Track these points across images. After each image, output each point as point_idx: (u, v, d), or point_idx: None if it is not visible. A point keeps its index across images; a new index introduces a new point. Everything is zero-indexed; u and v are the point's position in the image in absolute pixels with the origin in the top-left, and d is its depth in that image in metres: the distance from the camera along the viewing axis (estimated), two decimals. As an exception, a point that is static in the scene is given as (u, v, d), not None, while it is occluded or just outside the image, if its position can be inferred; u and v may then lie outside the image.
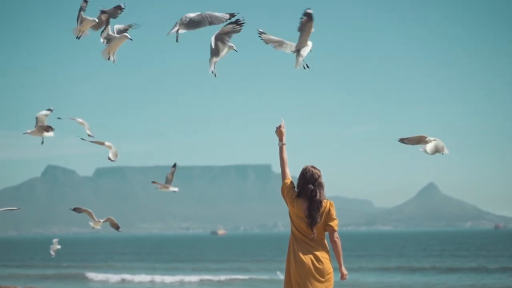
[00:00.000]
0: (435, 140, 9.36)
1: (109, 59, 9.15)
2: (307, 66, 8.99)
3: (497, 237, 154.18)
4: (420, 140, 9.39)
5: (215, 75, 9.03)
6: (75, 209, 10.64)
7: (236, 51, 8.97)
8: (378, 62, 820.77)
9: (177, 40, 8.76)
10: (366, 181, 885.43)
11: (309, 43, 8.99)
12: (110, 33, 9.12)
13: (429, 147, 9.40)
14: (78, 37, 9.06)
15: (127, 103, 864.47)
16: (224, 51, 8.95)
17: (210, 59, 8.99)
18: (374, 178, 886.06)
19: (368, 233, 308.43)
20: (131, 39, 9.05)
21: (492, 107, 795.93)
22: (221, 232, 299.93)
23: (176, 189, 11.50)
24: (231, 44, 8.95)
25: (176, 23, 8.61)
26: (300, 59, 8.93)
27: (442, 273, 48.13)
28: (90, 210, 10.65)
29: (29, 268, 58.55)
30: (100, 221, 10.72)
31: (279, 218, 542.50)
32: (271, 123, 8.85)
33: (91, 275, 49.78)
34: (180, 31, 8.62)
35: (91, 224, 10.87)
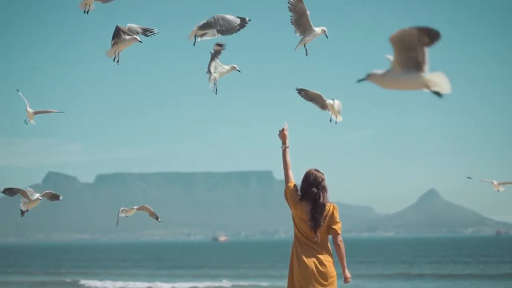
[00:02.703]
0: (334, 102, 9.48)
1: (114, 60, 9.07)
2: (306, 51, 9.03)
3: (498, 243, 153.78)
4: (318, 99, 9.47)
5: (215, 92, 9.05)
6: (6, 191, 10.10)
7: (239, 71, 9.01)
8: (379, 67, 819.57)
9: (194, 44, 8.82)
10: (367, 187, 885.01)
11: (318, 29, 8.97)
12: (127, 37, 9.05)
13: (330, 103, 9.51)
14: (86, 11, 9.02)
15: (128, 109, 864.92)
16: (225, 70, 8.98)
17: (209, 76, 9.03)
18: (375, 184, 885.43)
19: (369, 239, 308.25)
20: (140, 42, 8.94)
21: (493, 113, 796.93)
22: (222, 238, 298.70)
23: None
24: (234, 65, 8.99)
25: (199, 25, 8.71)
26: (304, 40, 8.96)
27: (443, 279, 48.02)
28: (23, 189, 10.16)
29: (28, 275, 58.29)
30: (38, 198, 10.34)
31: (280, 225, 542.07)
32: (272, 129, 8.88)
33: (86, 282, 49.30)
34: (199, 39, 8.73)
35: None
